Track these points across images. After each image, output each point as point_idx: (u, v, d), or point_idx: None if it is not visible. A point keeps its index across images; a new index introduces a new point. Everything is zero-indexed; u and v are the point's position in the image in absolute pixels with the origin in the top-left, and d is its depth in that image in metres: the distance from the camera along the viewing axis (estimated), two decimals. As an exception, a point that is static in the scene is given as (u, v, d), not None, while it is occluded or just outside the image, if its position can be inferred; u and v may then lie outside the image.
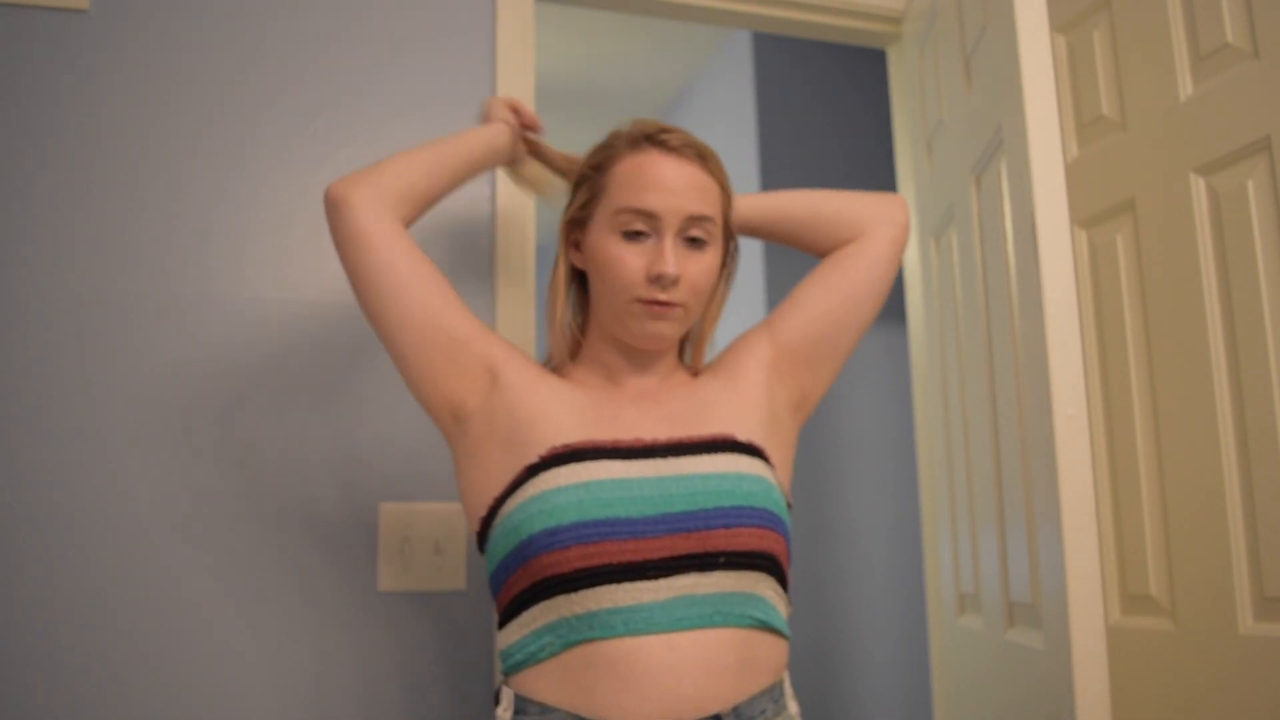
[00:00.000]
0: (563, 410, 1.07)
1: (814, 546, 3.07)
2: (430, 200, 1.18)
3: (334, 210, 1.10)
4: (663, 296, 1.07)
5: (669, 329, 1.09)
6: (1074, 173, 1.51)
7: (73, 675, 1.38)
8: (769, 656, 1.03)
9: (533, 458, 1.03)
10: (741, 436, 1.09)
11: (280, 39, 1.61)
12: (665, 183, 1.08)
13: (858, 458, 3.17)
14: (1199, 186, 1.34)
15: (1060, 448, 1.31)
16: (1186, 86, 1.36)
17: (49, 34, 1.51)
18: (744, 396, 1.14)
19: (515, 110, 1.28)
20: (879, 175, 2.87)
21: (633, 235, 1.08)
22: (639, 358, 1.15)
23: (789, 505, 1.11)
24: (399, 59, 1.66)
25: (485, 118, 1.29)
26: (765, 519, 1.02)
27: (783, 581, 1.06)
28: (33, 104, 1.49)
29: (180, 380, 1.49)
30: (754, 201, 1.26)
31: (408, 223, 1.15)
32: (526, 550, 0.98)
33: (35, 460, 1.41)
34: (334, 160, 1.60)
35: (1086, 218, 1.52)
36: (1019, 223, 1.42)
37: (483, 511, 1.06)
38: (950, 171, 1.78)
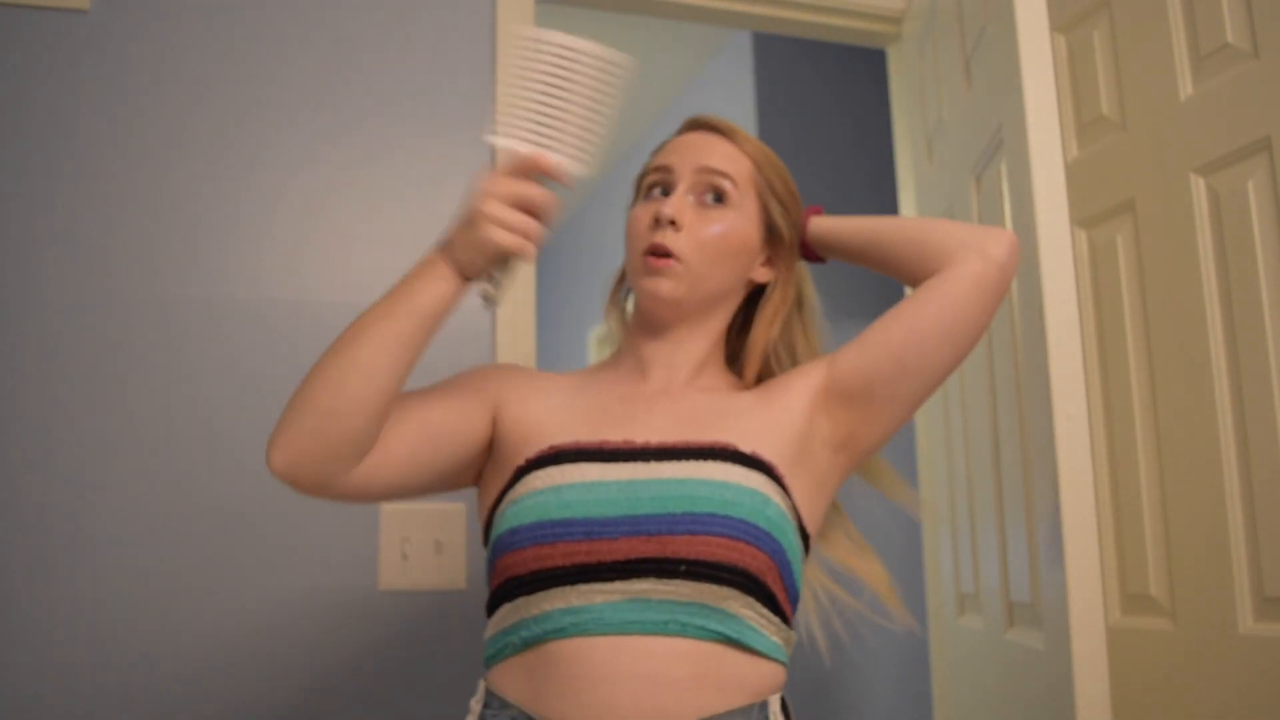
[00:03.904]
0: (563, 415, 1.04)
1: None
2: (388, 402, 0.93)
3: (295, 486, 0.96)
4: (657, 238, 1.03)
5: (665, 285, 1.03)
6: (1074, 173, 1.51)
7: (73, 672, 1.38)
8: (742, 675, 0.94)
9: (522, 460, 1.01)
10: (746, 448, 0.99)
11: (281, 41, 1.61)
12: (686, 142, 1.10)
13: (858, 458, 3.17)
14: (1199, 186, 1.34)
15: (1060, 448, 1.30)
16: (1186, 86, 1.36)
17: (49, 34, 1.51)
18: (773, 415, 1.04)
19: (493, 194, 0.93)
20: (879, 175, 2.87)
21: (649, 194, 1.08)
22: (662, 340, 1.09)
23: (806, 537, 1.02)
24: (398, 57, 1.66)
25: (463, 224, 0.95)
26: (742, 530, 0.93)
27: (769, 602, 0.95)
28: (33, 104, 1.49)
29: (186, 380, 1.49)
30: (849, 220, 1.15)
31: (373, 440, 0.94)
32: (494, 551, 0.97)
33: (40, 458, 1.41)
34: (334, 159, 1.60)
35: (1086, 218, 1.51)
36: (1019, 223, 1.42)
37: (484, 515, 1.05)
38: (950, 171, 1.78)
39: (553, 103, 0.95)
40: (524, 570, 0.94)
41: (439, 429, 1.01)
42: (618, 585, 0.92)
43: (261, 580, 1.47)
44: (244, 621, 1.45)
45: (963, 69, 1.69)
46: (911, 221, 1.17)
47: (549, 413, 1.04)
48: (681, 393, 1.08)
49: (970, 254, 1.05)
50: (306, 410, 0.92)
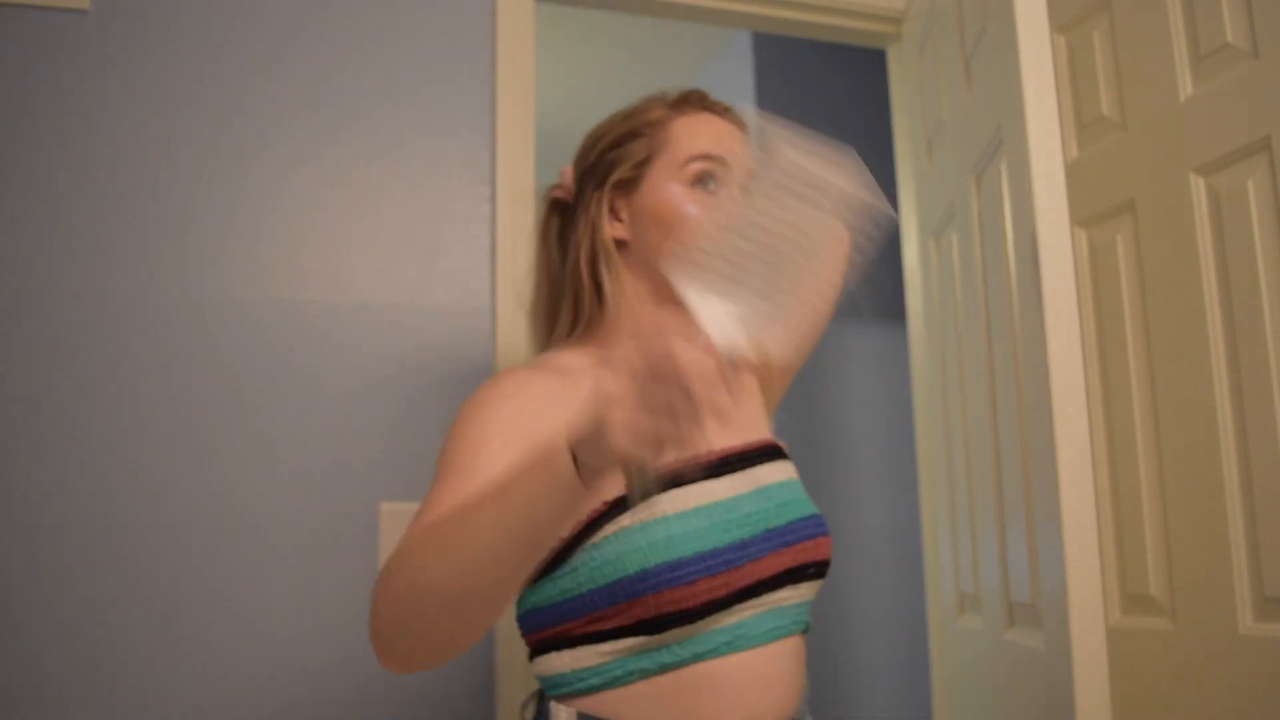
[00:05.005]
0: None
1: (814, 546, 3.06)
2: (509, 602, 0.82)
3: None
4: None
5: None
6: (1074, 173, 1.51)
7: (74, 672, 1.38)
8: (805, 657, 1.05)
9: (611, 493, 0.93)
10: (777, 441, 1.11)
11: (280, 39, 1.61)
12: (731, 135, 1.10)
13: (858, 458, 3.17)
14: (1199, 186, 1.34)
15: (1060, 448, 1.30)
16: (1186, 86, 1.36)
17: (49, 34, 1.51)
18: (753, 399, 1.16)
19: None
20: (879, 175, 2.87)
21: (703, 183, 1.05)
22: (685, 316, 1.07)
23: None
24: (400, 58, 1.66)
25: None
26: (826, 526, 1.04)
27: None
28: (33, 104, 1.49)
29: (181, 379, 1.49)
30: None
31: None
32: (640, 585, 0.90)
33: (39, 457, 1.41)
34: (333, 158, 1.60)
35: (1086, 218, 1.51)
36: (1019, 223, 1.42)
37: (554, 544, 0.87)
38: (950, 171, 1.78)
39: (777, 254, 0.70)
40: (692, 604, 0.91)
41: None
42: (764, 599, 0.96)
43: (261, 580, 1.46)
44: (243, 621, 1.45)
45: (963, 69, 1.69)
46: None
47: None
48: None
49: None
50: (424, 647, 0.79)
